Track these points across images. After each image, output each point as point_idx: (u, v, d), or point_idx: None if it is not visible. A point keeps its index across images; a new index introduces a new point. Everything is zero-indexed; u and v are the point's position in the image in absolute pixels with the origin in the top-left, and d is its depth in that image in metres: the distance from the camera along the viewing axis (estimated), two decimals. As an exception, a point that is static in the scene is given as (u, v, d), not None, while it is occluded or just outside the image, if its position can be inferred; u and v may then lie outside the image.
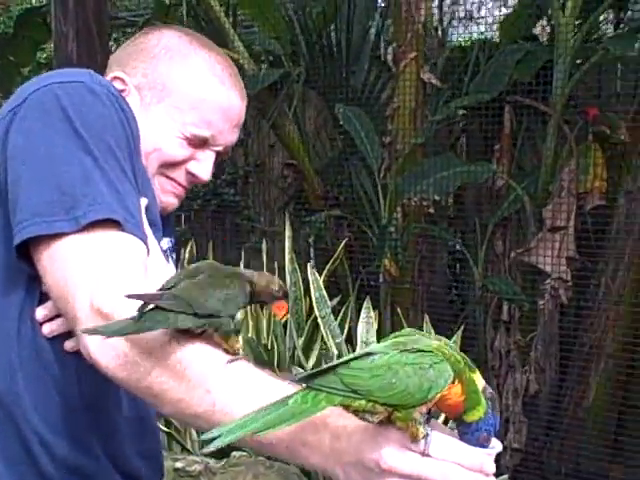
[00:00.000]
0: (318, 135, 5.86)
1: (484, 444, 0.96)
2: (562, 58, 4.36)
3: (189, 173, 1.40)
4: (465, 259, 4.76)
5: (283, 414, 0.90)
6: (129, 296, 0.99)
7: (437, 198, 4.63)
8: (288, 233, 4.27)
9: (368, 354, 0.92)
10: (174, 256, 1.50)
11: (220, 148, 1.42)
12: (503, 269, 4.56)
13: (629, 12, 4.83)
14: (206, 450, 0.96)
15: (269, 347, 4.05)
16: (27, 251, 1.14)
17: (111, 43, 5.67)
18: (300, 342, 4.22)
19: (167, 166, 1.37)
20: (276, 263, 4.43)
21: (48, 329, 1.18)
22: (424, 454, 0.91)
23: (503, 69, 4.66)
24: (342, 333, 3.96)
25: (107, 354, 1.05)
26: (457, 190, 4.76)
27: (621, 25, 4.99)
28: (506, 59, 4.72)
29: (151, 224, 1.24)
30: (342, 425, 0.97)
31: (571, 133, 4.41)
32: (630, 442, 4.41)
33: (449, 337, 3.34)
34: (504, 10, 5.84)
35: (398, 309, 4.35)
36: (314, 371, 0.92)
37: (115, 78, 1.38)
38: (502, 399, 4.46)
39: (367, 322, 3.82)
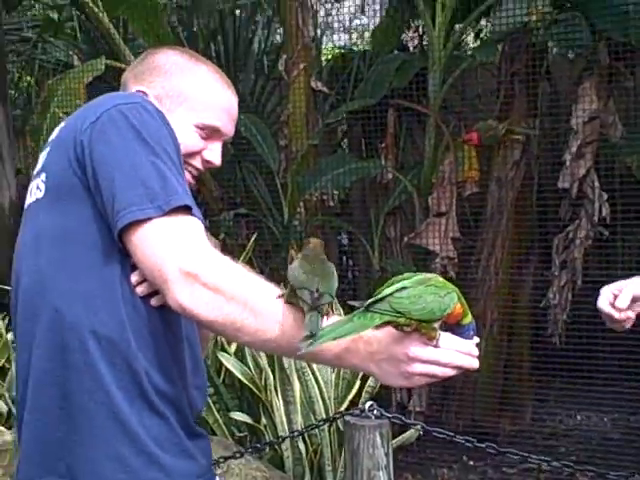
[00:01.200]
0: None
1: (471, 338, 1.44)
2: (435, 66, 4.95)
3: (205, 160, 1.75)
4: (355, 248, 5.26)
5: (352, 326, 1.32)
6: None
7: (336, 192, 5.11)
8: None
9: (404, 288, 1.36)
10: None
11: (225, 138, 1.79)
12: (397, 252, 5.10)
13: (489, 25, 5.50)
14: (304, 349, 1.31)
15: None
16: (120, 234, 1.47)
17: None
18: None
19: (188, 156, 1.71)
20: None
21: (140, 290, 1.52)
22: (436, 346, 1.37)
23: (384, 76, 5.21)
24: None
25: (197, 303, 1.40)
26: (352, 185, 5.25)
27: (480, 34, 5.68)
28: (385, 67, 5.27)
29: None
30: (372, 335, 1.40)
31: (448, 129, 5.01)
32: (514, 397, 5.05)
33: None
34: (376, 20, 6.42)
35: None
36: (370, 300, 1.34)
37: (138, 92, 1.71)
38: (403, 368, 4.96)
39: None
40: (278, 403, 4.14)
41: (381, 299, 1.33)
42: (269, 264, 5.23)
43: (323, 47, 6.97)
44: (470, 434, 4.74)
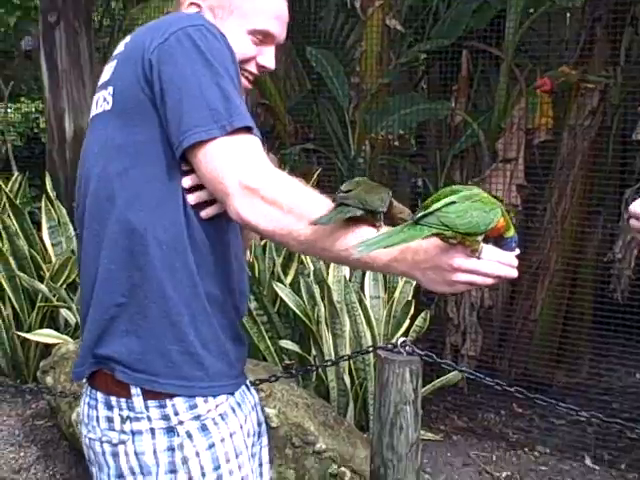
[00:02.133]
0: (288, 76, 6.23)
1: (513, 250, 1.48)
2: (513, 8, 4.81)
3: (260, 66, 1.80)
4: (426, 190, 5.23)
5: (402, 236, 1.38)
6: (333, 199, 1.46)
7: (402, 132, 5.08)
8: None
9: (452, 202, 1.40)
10: None
11: (277, 42, 1.81)
12: (461, 197, 5.03)
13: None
14: (357, 255, 1.42)
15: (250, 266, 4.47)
16: (184, 152, 1.56)
17: None
18: (279, 260, 4.67)
19: (243, 62, 1.76)
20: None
21: (192, 197, 1.61)
22: (479, 258, 1.42)
23: (461, 17, 5.10)
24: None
25: (256, 215, 1.49)
26: (419, 127, 5.19)
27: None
28: (464, 8, 5.15)
29: None
30: (420, 245, 1.46)
31: (521, 75, 4.88)
32: (571, 350, 4.98)
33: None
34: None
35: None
36: (420, 214, 1.40)
37: (191, 4, 1.77)
38: (459, 312, 4.98)
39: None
40: (327, 335, 4.23)
41: (430, 213, 1.39)
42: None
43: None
44: (522, 383, 4.79)
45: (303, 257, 4.47)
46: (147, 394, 1.61)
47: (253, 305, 4.38)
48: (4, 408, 4.96)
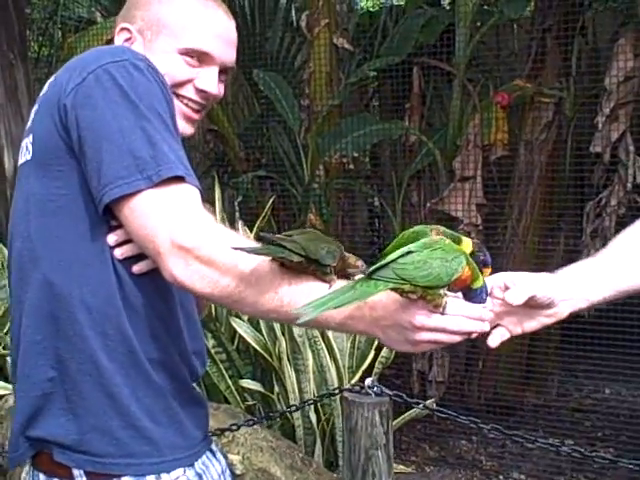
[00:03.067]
0: (236, 101, 6.07)
1: (483, 302, 1.35)
2: (462, 22, 4.72)
3: (198, 90, 1.60)
4: (384, 212, 5.11)
5: (354, 294, 1.24)
6: (262, 237, 1.28)
7: (355, 155, 4.94)
8: (217, 194, 4.49)
9: (409, 252, 1.28)
10: None
11: (220, 63, 1.61)
12: (419, 218, 4.92)
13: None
14: (304, 319, 1.23)
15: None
16: (108, 207, 1.41)
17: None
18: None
19: (177, 86, 1.58)
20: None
21: (120, 252, 1.44)
22: (443, 313, 1.28)
23: (410, 33, 4.99)
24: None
25: (192, 277, 1.34)
26: (373, 147, 5.07)
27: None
28: (412, 23, 5.05)
29: None
30: (377, 301, 1.31)
31: (474, 90, 4.78)
32: (539, 369, 4.89)
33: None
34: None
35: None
36: (374, 267, 1.26)
37: (122, 29, 1.61)
38: (424, 337, 4.84)
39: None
40: (290, 371, 4.06)
41: (385, 265, 1.26)
42: (288, 228, 5.11)
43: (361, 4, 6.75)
44: (492, 406, 4.67)
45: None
46: (91, 476, 1.46)
47: (211, 343, 4.20)
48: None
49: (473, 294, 1.34)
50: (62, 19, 5.89)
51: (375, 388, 2.83)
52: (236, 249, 1.29)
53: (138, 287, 1.46)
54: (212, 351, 4.17)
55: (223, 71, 1.65)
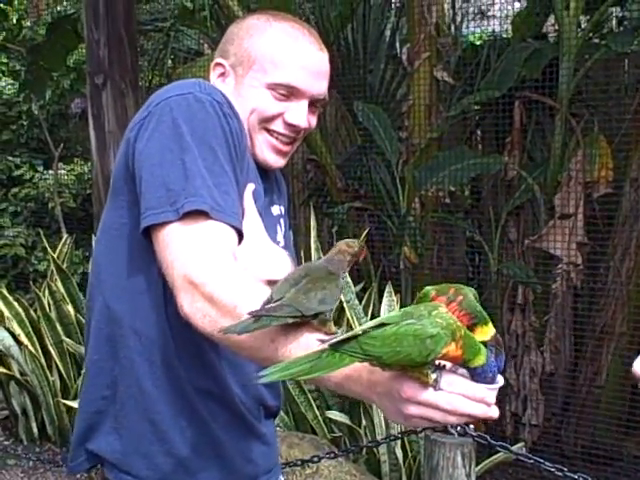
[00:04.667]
0: (337, 131, 6.11)
1: (490, 382, 1.21)
2: (567, 55, 4.60)
3: (287, 124, 1.62)
4: (481, 247, 5.01)
5: (317, 365, 1.15)
6: (250, 313, 1.25)
7: (452, 189, 4.88)
8: (313, 224, 4.51)
9: (382, 324, 1.16)
10: (284, 222, 1.76)
11: (310, 96, 1.63)
12: (517, 255, 4.80)
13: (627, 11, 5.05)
14: (261, 382, 1.17)
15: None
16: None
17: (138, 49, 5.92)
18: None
19: (266, 121, 1.61)
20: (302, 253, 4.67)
21: None
22: (437, 389, 1.17)
23: (512, 66, 4.89)
24: (366, 315, 4.20)
25: (195, 315, 1.34)
26: (473, 182, 4.99)
27: (624, 22, 5.22)
28: (515, 57, 4.94)
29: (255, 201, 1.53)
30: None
31: (578, 125, 4.64)
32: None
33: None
34: (517, 5, 6.06)
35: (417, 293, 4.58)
36: (343, 337, 1.16)
37: (216, 65, 1.66)
38: (519, 378, 4.70)
39: (389, 305, 4.07)
40: (377, 406, 4.01)
41: (352, 338, 1.15)
42: (383, 260, 5.09)
43: (469, 36, 6.68)
44: (589, 454, 4.47)
45: (351, 320, 4.26)
46: None
47: (299, 373, 4.19)
48: (49, 477, 4.87)
49: (475, 372, 1.21)
50: (173, 50, 6.12)
51: (459, 428, 2.76)
52: (224, 332, 1.25)
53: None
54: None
55: (314, 103, 1.66)
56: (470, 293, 1.34)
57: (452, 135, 5.42)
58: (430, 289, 1.36)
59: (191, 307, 1.34)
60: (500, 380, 1.24)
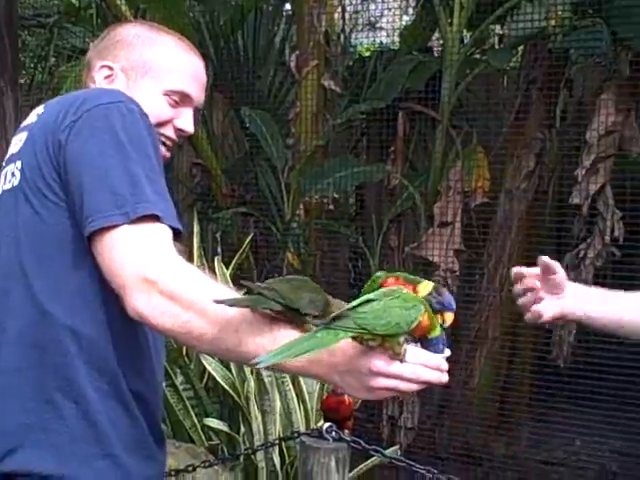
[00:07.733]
0: (224, 136, 6.10)
1: (441, 352, 1.35)
2: (449, 69, 4.76)
3: (177, 129, 1.73)
4: (364, 253, 5.10)
5: (313, 343, 1.24)
6: (216, 301, 1.31)
7: (336, 196, 4.96)
8: (196, 229, 4.48)
9: (369, 300, 1.28)
10: None
11: (195, 104, 1.76)
12: (397, 261, 4.92)
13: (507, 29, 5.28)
14: (261, 365, 1.24)
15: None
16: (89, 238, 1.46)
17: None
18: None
19: (159, 126, 1.68)
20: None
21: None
22: (402, 361, 1.28)
23: (397, 78, 5.02)
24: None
25: (153, 311, 1.36)
26: (357, 189, 5.07)
27: (504, 39, 5.44)
28: (400, 68, 5.08)
29: None
30: (337, 346, 1.30)
31: (458, 137, 4.80)
32: (510, 419, 4.84)
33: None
34: (405, 18, 6.22)
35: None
36: (333, 315, 1.27)
37: (103, 67, 1.71)
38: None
39: (271, 310, 4.07)
40: (256, 412, 4.01)
41: (343, 314, 1.27)
42: (267, 266, 5.10)
43: (360, 46, 6.79)
44: (462, 455, 4.62)
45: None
46: None
47: (179, 380, 4.15)
48: None
49: (428, 343, 1.34)
50: (57, 48, 5.96)
51: (333, 433, 2.80)
52: (217, 302, 1.31)
53: (124, 319, 1.47)
54: (180, 387, 4.13)
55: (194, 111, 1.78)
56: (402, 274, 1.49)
57: (338, 143, 5.50)
58: (380, 274, 1.48)
59: (148, 305, 1.36)
60: (447, 350, 1.37)
